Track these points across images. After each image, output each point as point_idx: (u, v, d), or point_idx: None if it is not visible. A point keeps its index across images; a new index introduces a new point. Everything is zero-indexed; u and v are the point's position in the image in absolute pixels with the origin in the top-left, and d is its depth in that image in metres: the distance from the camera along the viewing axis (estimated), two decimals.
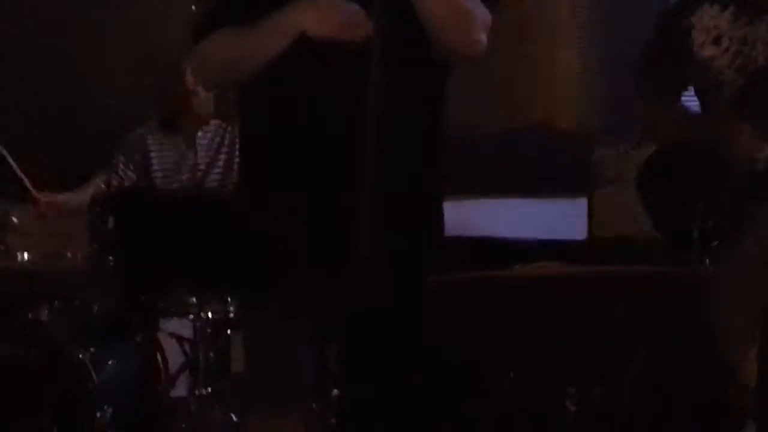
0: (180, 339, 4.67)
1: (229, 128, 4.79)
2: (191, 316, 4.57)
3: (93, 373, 4.10)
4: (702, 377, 3.21)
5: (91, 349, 4.17)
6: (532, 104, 5.68)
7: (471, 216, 4.62)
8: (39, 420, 4.07)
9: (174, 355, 4.66)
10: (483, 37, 2.76)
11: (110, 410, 4.10)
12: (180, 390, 4.70)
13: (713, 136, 3.48)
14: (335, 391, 3.70)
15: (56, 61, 5.34)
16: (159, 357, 4.50)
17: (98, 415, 4.07)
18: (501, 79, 5.54)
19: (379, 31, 2.48)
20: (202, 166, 4.86)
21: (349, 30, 2.61)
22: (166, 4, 5.40)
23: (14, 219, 4.51)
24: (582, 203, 5.02)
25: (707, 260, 3.35)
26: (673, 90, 3.66)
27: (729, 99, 3.51)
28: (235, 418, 4.46)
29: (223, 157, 4.84)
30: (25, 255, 4.49)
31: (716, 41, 3.53)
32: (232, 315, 4.57)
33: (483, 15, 2.76)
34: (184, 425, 4.56)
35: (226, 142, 4.81)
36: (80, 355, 4.11)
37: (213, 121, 4.88)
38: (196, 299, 4.49)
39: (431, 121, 2.85)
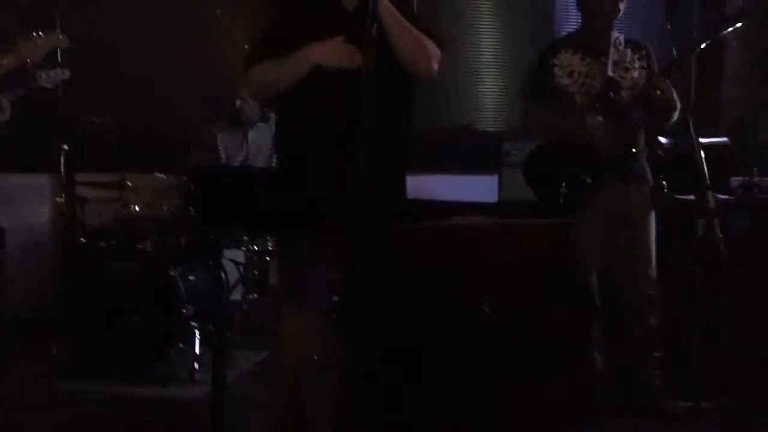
0: (236, 263, 4.70)
1: (271, 127, 4.71)
2: (243, 248, 4.62)
3: (180, 284, 4.10)
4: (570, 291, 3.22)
5: (179, 268, 4.16)
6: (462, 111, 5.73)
7: (423, 185, 4.64)
8: (145, 314, 4.05)
9: (232, 273, 4.67)
10: (435, 66, 2.78)
11: (192, 308, 4.10)
12: (236, 295, 4.72)
13: (571, 131, 3.44)
14: (335, 297, 3.74)
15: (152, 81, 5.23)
16: (223, 274, 4.41)
17: (184, 311, 4.07)
18: (442, 93, 5.56)
19: (367, 61, 2.49)
20: (252, 152, 4.83)
21: (346, 61, 2.63)
22: (228, 44, 5.35)
23: (129, 183, 4.49)
24: (494, 179, 5.02)
25: (569, 217, 3.33)
26: (545, 104, 3.58)
27: (577, 112, 3.49)
28: (272, 313, 4.53)
29: (266, 147, 4.79)
30: (136, 207, 4.49)
31: (570, 74, 3.51)
32: (270, 247, 4.62)
33: (435, 51, 2.77)
34: (239, 319, 4.61)
35: (269, 137, 4.73)
36: (172, 273, 4.10)
37: (259, 123, 4.83)
38: (247, 236, 4.53)
39: (401, 120, 2.84)
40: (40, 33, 3.81)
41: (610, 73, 3.45)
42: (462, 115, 5.72)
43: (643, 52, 3.51)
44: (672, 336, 3.63)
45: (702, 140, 3.31)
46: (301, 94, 2.73)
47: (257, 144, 4.84)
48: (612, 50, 3.46)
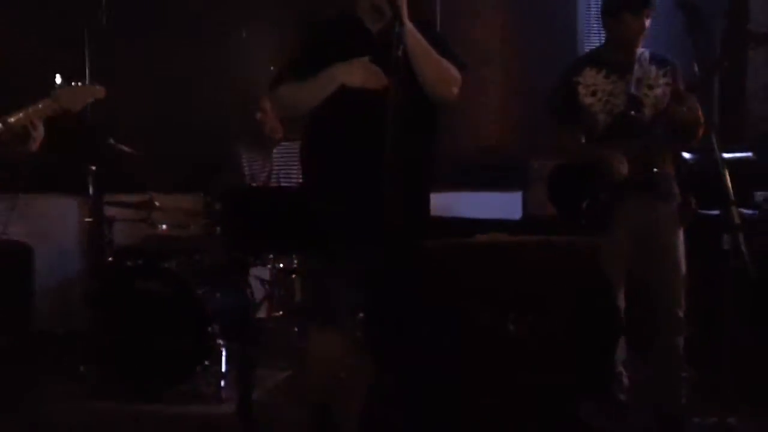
0: (261, 280, 4.69)
1: (295, 146, 4.64)
2: (269, 266, 4.60)
3: (206, 302, 4.08)
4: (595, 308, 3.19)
5: (205, 287, 4.14)
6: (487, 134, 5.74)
7: (447, 203, 4.62)
8: (172, 332, 4.01)
9: (257, 290, 4.64)
10: (455, 90, 2.81)
11: (217, 326, 4.08)
12: (262, 313, 4.70)
13: (594, 158, 3.44)
14: (361, 314, 3.73)
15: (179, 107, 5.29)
16: (248, 292, 4.46)
17: (210, 329, 4.04)
18: (468, 118, 5.57)
19: (393, 83, 2.52)
20: (275, 171, 4.82)
21: (371, 81, 2.66)
22: (253, 65, 5.34)
23: (156, 202, 4.49)
24: (518, 195, 5.02)
25: (592, 234, 3.34)
26: (569, 123, 3.56)
27: (601, 131, 3.48)
28: (297, 330, 4.53)
29: (292, 165, 4.76)
30: (163, 226, 4.48)
31: (593, 93, 3.48)
32: (294, 265, 4.61)
33: (455, 75, 2.80)
34: (264, 336, 4.57)
35: (294, 155, 4.66)
36: (198, 291, 4.08)
37: (284, 143, 4.82)
38: (272, 254, 4.50)
39: (426, 140, 2.86)
40: (78, 83, 3.82)
41: (632, 90, 3.43)
42: (487, 134, 5.70)
43: (669, 68, 3.47)
44: (699, 351, 3.60)
45: (726, 155, 3.28)
46: (327, 113, 2.76)
47: (281, 163, 4.84)
48: (636, 67, 3.44)
